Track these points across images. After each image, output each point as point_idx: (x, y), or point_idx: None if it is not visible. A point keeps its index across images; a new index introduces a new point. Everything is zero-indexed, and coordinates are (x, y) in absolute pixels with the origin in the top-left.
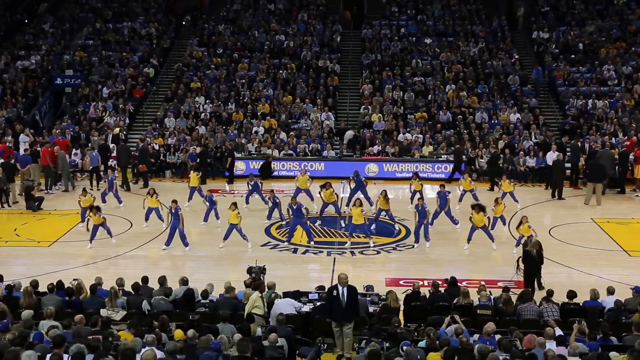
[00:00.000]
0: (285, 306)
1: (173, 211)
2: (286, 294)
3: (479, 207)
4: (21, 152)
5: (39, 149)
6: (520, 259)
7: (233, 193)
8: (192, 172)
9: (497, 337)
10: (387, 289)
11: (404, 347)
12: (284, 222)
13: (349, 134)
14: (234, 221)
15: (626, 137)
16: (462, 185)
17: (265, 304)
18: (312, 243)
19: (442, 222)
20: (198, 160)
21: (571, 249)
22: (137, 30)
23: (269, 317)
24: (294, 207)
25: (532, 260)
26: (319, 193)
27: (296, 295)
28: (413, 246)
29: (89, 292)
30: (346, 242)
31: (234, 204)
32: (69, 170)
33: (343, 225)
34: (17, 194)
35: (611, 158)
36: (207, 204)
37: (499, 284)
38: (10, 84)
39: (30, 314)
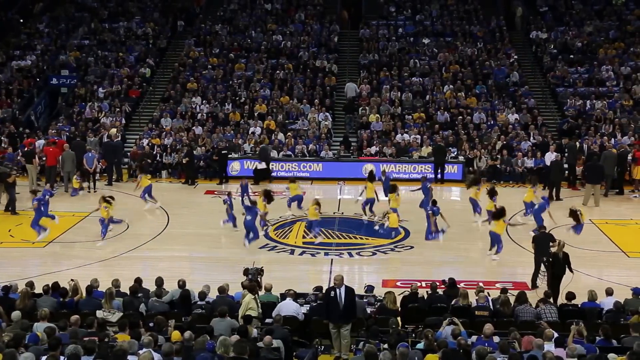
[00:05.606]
0: (289, 310)
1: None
2: (284, 295)
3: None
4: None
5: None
6: (543, 264)
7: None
8: (143, 174)
9: (496, 338)
10: (383, 290)
11: (401, 349)
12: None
13: (350, 87)
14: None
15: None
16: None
17: (259, 305)
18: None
19: (443, 224)
20: (184, 161)
21: (569, 250)
22: (133, 30)
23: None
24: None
25: (558, 262)
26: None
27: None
28: (412, 247)
29: (84, 293)
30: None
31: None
32: (71, 171)
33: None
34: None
35: (614, 160)
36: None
37: (497, 285)
38: (6, 84)
39: (19, 315)
